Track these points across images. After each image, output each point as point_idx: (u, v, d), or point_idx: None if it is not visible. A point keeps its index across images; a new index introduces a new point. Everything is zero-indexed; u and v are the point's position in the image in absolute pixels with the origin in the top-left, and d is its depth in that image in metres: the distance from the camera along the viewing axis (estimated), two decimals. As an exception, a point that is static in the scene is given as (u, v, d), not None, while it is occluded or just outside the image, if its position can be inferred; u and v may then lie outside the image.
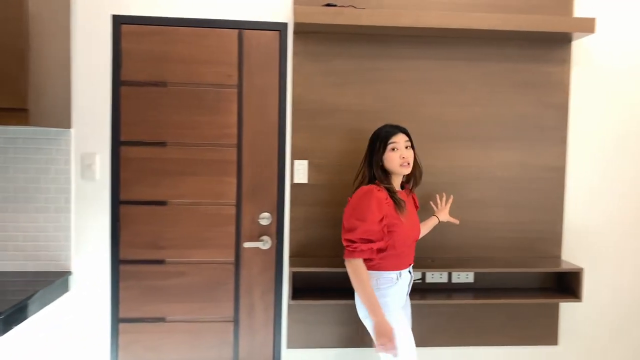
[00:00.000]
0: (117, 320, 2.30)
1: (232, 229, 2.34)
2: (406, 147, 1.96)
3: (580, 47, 2.43)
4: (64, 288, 2.17)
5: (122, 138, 2.25)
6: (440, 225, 2.36)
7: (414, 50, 2.36)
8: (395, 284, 1.94)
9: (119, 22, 2.20)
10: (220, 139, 2.30)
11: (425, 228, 2.25)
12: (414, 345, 1.93)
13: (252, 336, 2.38)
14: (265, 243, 2.34)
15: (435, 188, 2.39)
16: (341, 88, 2.33)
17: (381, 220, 1.85)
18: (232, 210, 2.34)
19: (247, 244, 2.34)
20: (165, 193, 2.29)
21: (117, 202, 2.27)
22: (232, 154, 2.32)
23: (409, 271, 2.02)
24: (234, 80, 2.29)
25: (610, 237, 2.50)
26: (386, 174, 1.97)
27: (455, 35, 2.33)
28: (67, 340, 2.21)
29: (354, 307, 2.37)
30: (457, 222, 2.30)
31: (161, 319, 2.33)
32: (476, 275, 2.44)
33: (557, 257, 2.46)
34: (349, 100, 2.34)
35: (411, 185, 2.12)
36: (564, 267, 2.31)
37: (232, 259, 2.35)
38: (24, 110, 1.81)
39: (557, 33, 2.25)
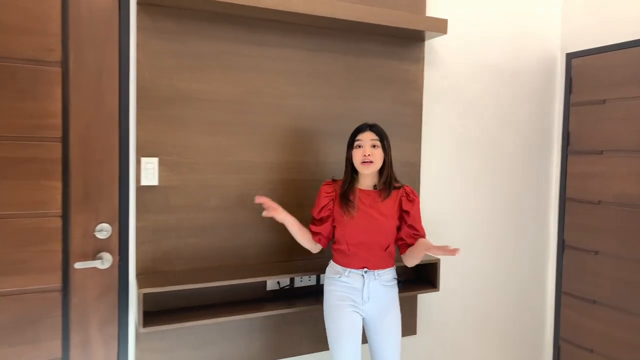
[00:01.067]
0: None
1: (58, 246, 1.83)
2: (373, 146, 1.89)
3: (431, 46, 2.53)
4: None
5: None
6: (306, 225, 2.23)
7: (280, 38, 2.16)
8: (339, 280, 1.94)
9: None
10: (39, 131, 1.77)
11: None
12: (353, 344, 1.89)
13: (90, 378, 1.91)
14: (104, 261, 1.89)
15: (302, 185, 2.24)
16: (198, 73, 2.01)
17: (321, 210, 1.97)
18: (58, 223, 1.82)
19: (79, 264, 1.85)
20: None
21: None
22: (56, 151, 1.80)
23: (363, 274, 1.92)
24: (57, 55, 1.78)
25: (456, 227, 2.68)
26: (356, 172, 1.97)
27: (318, 25, 2.20)
28: None
29: (222, 325, 2.10)
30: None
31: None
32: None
33: (414, 250, 2.53)
34: (208, 88, 2.03)
35: (384, 187, 1.96)
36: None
37: (58, 284, 1.84)
38: None
39: (412, 31, 2.29)
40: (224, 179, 2.08)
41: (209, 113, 2.03)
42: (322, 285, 2.32)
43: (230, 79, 2.06)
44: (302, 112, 2.22)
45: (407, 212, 1.94)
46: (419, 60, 2.48)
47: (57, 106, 1.79)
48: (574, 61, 2.85)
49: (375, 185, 1.97)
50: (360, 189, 1.96)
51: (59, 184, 1.81)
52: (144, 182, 1.93)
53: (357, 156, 1.91)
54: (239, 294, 2.14)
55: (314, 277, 2.30)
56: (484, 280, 2.78)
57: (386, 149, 1.92)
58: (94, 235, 1.89)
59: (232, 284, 2.01)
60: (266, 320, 2.20)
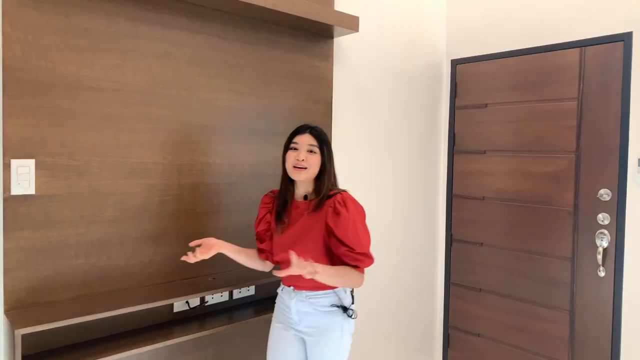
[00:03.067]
0: None
1: None
2: (309, 151, 1.68)
3: (339, 44, 2.46)
4: None
5: None
6: (218, 233, 2.01)
7: (188, 22, 1.87)
8: (279, 295, 1.83)
9: None
10: None
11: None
12: None
13: None
14: (-41, 296, 1.43)
15: (214, 189, 1.99)
16: (87, 55, 1.63)
17: (259, 222, 1.81)
18: None
19: None
20: None
21: None
22: None
23: (289, 294, 1.74)
24: None
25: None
26: (293, 180, 1.75)
27: (230, 10, 1.96)
28: None
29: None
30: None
31: None
32: (257, 286, 2.17)
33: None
34: (100, 75, 1.66)
35: (315, 198, 1.69)
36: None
37: None
38: None
39: (322, 25, 2.19)
40: (121, 185, 1.74)
41: (101, 105, 1.67)
42: (234, 301, 2.10)
43: (128, 65, 1.72)
44: (211, 106, 1.97)
45: (333, 228, 1.62)
46: (329, 57, 2.39)
47: None
48: (458, 67, 3.05)
49: (305, 196, 1.73)
50: (295, 201, 1.75)
51: None
52: (15, 191, 1.50)
53: (290, 159, 1.69)
54: (143, 319, 1.82)
55: (226, 294, 2.06)
56: (379, 274, 2.82)
57: (325, 155, 1.70)
58: (-58, 264, 1.41)
59: (130, 312, 1.68)
60: (174, 347, 1.90)
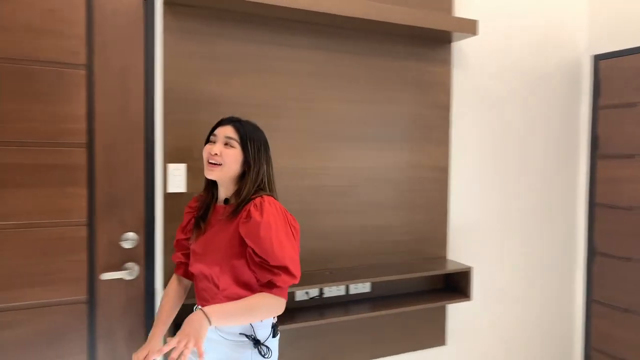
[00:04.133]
0: None
1: (84, 256, 1.76)
2: (226, 144, 1.43)
3: (458, 48, 2.46)
4: None
5: None
6: (337, 232, 2.17)
7: (309, 40, 2.09)
8: None
9: None
10: (63, 136, 1.70)
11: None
12: None
13: (116, 394, 1.83)
14: (131, 272, 1.82)
15: (333, 191, 2.17)
16: (226, 76, 1.94)
17: (183, 228, 1.60)
18: (83, 232, 1.75)
19: (105, 275, 1.78)
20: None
21: None
22: (81, 157, 1.73)
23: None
24: (82, 58, 1.71)
25: (489, 234, 2.60)
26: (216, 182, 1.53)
27: (347, 26, 2.13)
28: None
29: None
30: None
31: None
32: (373, 284, 2.29)
33: (442, 258, 2.45)
34: (236, 92, 1.96)
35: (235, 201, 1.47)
36: (454, 268, 2.29)
37: (84, 296, 1.77)
38: None
39: (439, 32, 2.23)
40: (252, 186, 2.01)
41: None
42: (350, 296, 2.25)
43: (258, 82, 2.00)
44: (330, 116, 2.16)
45: (245, 235, 1.38)
46: (445, 62, 2.42)
47: (82, 110, 1.72)
48: (601, 63, 2.79)
49: (226, 199, 1.50)
50: (216, 205, 1.53)
51: (84, 191, 1.74)
52: (170, 189, 1.86)
53: (204, 154, 1.46)
54: (267, 304, 2.06)
55: (342, 288, 2.22)
56: (512, 289, 2.70)
57: (250, 152, 1.43)
58: (120, 245, 1.81)
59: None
60: (298, 331, 2.12)
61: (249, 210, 1.38)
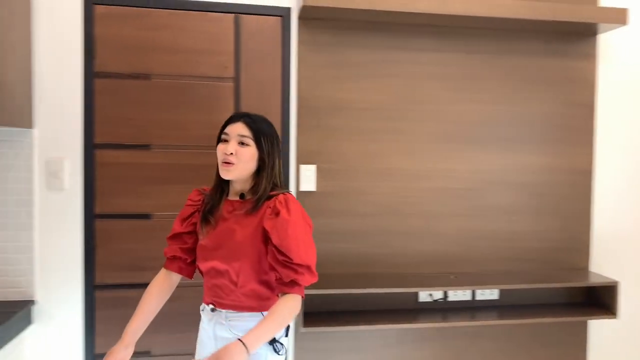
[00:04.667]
0: (92, 356, 1.93)
1: (228, 245, 2.02)
2: (240, 143, 1.38)
3: (605, 41, 2.25)
4: (27, 320, 1.79)
5: (97, 140, 1.89)
6: (462, 235, 2.15)
7: (432, 42, 2.11)
8: (202, 318, 1.52)
9: (91, 1, 1.85)
10: (214, 141, 1.98)
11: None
12: None
13: (253, 369, 2.05)
14: (267, 261, 2.03)
15: (455, 194, 2.15)
16: (354, 83, 2.06)
17: (183, 222, 1.49)
18: (228, 224, 2.01)
19: (245, 263, 2.01)
20: (149, 204, 1.94)
21: (91, 216, 1.90)
22: (229, 159, 2.00)
23: (212, 309, 1.44)
24: (230, 72, 1.97)
25: (637, 245, 2.32)
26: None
27: (475, 26, 2.10)
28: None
29: (373, 332, 2.11)
30: None
31: (146, 353, 1.97)
32: (501, 291, 2.21)
33: (584, 269, 2.25)
34: (363, 97, 2.07)
35: (252, 197, 1.41)
36: (598, 281, 2.09)
37: (227, 280, 2.02)
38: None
39: (582, 25, 2.06)
40: (375, 186, 2.10)
41: (364, 122, 2.07)
42: (477, 302, 2.19)
43: (384, 87, 2.08)
44: (456, 118, 2.14)
45: (270, 231, 1.34)
46: (589, 56, 2.22)
47: (230, 118, 1.98)
48: None
49: (242, 194, 1.45)
50: (228, 200, 1.47)
51: (230, 189, 2.00)
52: (302, 188, 2.04)
53: (218, 154, 1.41)
54: (389, 303, 2.13)
55: (468, 293, 2.18)
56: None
57: (264, 148, 1.40)
58: (258, 237, 2.04)
59: (383, 292, 2.01)
60: (420, 332, 2.15)
61: (275, 206, 1.36)
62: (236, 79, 1.98)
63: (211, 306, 1.44)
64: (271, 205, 1.36)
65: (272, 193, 1.40)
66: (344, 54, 2.04)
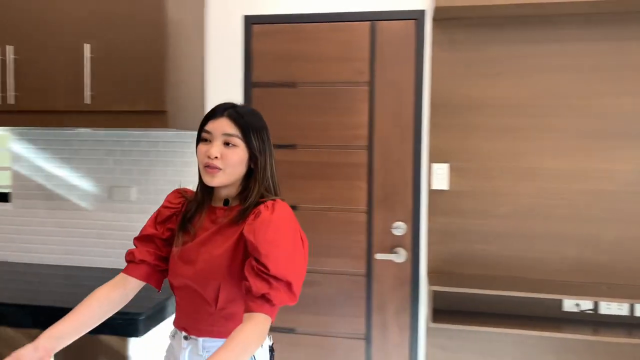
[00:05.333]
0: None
1: (364, 238, 2.15)
2: (226, 143, 1.16)
3: None
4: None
5: (253, 141, 2.21)
6: (618, 242, 1.93)
7: (580, 32, 1.94)
8: (169, 344, 1.31)
9: (250, 22, 2.16)
10: (351, 140, 2.13)
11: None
12: None
13: (386, 358, 2.16)
14: (399, 256, 2.11)
15: (613, 197, 1.93)
16: (489, 80, 2.01)
17: (156, 223, 1.28)
18: (363, 218, 2.15)
19: (379, 256, 2.13)
20: (295, 197, 2.19)
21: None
22: (363, 157, 2.13)
23: (185, 337, 1.21)
24: (366, 76, 2.11)
25: None
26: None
27: (629, 9, 1.86)
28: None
29: (508, 337, 2.04)
30: None
31: (291, 330, 2.23)
32: (670, 309, 1.92)
33: None
34: (500, 94, 2.00)
35: (240, 205, 1.20)
36: None
37: (363, 270, 2.16)
38: (162, 113, 1.84)
39: None
40: (515, 187, 2.01)
41: (500, 119, 2.00)
42: (636, 318, 1.94)
43: (524, 83, 1.98)
44: (614, 112, 1.93)
45: (247, 235, 1.11)
46: None
47: (365, 119, 2.11)
48: None
49: (226, 200, 1.23)
50: (211, 206, 1.24)
51: (365, 185, 2.13)
52: (434, 186, 2.06)
53: (200, 156, 1.17)
54: (528, 309, 2.02)
55: (625, 307, 1.95)
56: None
57: (255, 146, 1.16)
58: (391, 232, 2.13)
59: (522, 297, 1.92)
60: (563, 343, 1.99)
61: (259, 210, 1.13)
62: (371, 82, 2.10)
63: (184, 333, 1.22)
64: (256, 211, 1.14)
65: (261, 200, 1.17)
66: (479, 50, 2.01)
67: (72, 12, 1.86)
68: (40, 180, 2.33)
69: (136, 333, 1.68)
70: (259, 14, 2.15)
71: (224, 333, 1.16)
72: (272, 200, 1.16)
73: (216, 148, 1.14)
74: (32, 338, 1.71)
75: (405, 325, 2.14)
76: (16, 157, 2.35)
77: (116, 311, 1.23)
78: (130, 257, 1.25)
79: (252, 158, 1.18)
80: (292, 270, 1.08)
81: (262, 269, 1.05)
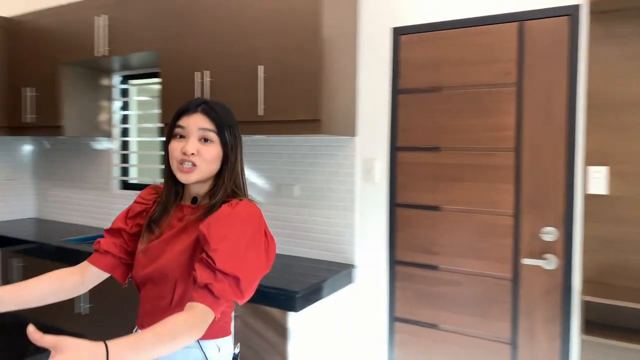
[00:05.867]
0: (393, 318, 2.42)
1: (509, 241, 2.12)
2: (202, 139, 1.16)
3: None
4: (349, 279, 2.43)
5: (399, 144, 2.36)
6: None
7: None
8: None
9: (398, 33, 2.31)
10: (496, 142, 2.13)
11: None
12: None
13: (530, 365, 2.10)
14: (549, 262, 2.03)
15: None
16: (659, 73, 1.81)
17: (127, 218, 1.27)
18: (509, 221, 2.12)
19: (526, 261, 2.08)
20: (438, 198, 2.27)
21: (394, 205, 2.38)
22: (509, 159, 2.10)
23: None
24: (512, 77, 2.07)
25: None
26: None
27: None
28: (350, 326, 2.46)
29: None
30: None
31: (434, 326, 2.32)
32: None
33: None
34: (672, 88, 1.79)
35: (208, 202, 1.20)
36: None
37: (508, 274, 2.13)
38: (317, 121, 2.12)
39: None
40: (693, 192, 1.77)
41: (673, 116, 1.79)
42: None
43: None
44: None
45: (202, 228, 1.09)
46: None
47: (511, 120, 2.08)
48: None
49: (195, 198, 1.22)
50: (180, 204, 1.23)
51: (511, 188, 2.10)
52: (591, 191, 1.94)
53: (174, 153, 1.15)
54: None
55: None
56: None
57: (228, 142, 1.17)
58: (540, 237, 2.06)
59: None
60: None
61: (222, 207, 1.15)
62: (518, 83, 2.06)
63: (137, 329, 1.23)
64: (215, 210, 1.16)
65: (227, 199, 1.18)
66: (647, 42, 1.82)
67: (251, 42, 2.27)
68: (227, 177, 2.86)
69: (294, 308, 1.99)
70: (406, 25, 2.29)
71: None
72: (239, 199, 1.17)
73: (192, 144, 1.14)
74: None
75: (555, 334, 2.04)
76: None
77: (68, 297, 1.20)
78: (96, 247, 1.26)
79: (225, 154, 1.18)
80: (241, 267, 1.06)
81: (210, 261, 1.05)
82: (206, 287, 1.03)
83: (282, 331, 2.02)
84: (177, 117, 1.18)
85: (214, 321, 1.06)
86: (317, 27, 2.08)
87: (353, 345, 2.48)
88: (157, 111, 3.00)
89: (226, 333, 1.21)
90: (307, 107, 2.13)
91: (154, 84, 3.28)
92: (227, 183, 1.18)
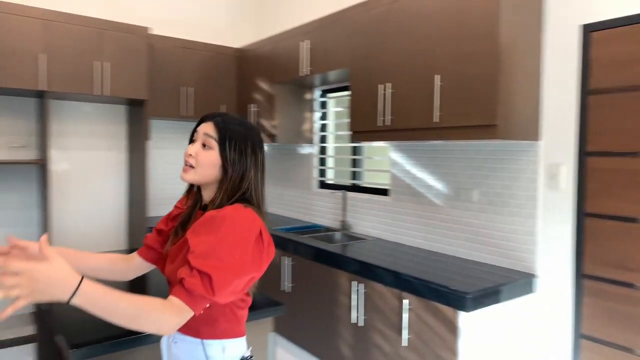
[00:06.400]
0: (579, 334, 2.25)
1: None
2: (204, 145, 1.25)
3: None
4: (528, 289, 2.35)
5: (589, 148, 2.18)
6: None
7: None
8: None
9: (588, 30, 2.15)
10: None
11: None
12: None
13: None
14: None
15: None
16: None
17: (168, 220, 1.42)
18: None
19: None
20: (635, 209, 2.04)
21: (582, 214, 2.21)
22: None
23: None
24: None
25: None
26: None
27: None
28: (527, 334, 2.38)
29: None
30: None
31: (629, 350, 2.09)
32: None
33: None
34: None
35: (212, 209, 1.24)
36: None
37: None
38: (493, 127, 2.14)
39: None
40: None
41: None
42: None
43: None
44: None
45: (187, 236, 1.19)
46: None
47: None
48: None
49: (205, 205, 1.32)
50: (200, 210, 1.33)
51: None
52: None
53: (184, 155, 1.30)
54: None
55: None
56: None
57: (228, 155, 1.23)
58: None
59: None
60: None
61: (202, 218, 1.20)
62: None
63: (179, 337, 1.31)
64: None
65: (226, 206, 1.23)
66: None
67: (428, 54, 2.40)
68: (408, 180, 3.03)
69: (464, 308, 2.05)
70: (598, 21, 2.11)
71: (185, 327, 1.22)
72: (234, 205, 1.21)
73: (193, 147, 1.25)
74: (395, 295, 2.35)
75: None
76: (393, 163, 3.14)
77: (114, 279, 1.39)
78: (144, 241, 1.42)
79: (224, 166, 1.24)
80: (215, 266, 1.09)
81: (187, 260, 1.12)
82: (181, 282, 1.10)
83: (452, 328, 2.10)
84: (197, 124, 1.30)
85: (217, 322, 1.21)
86: (495, 33, 2.10)
87: (530, 354, 2.39)
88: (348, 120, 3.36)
89: (234, 335, 1.27)
90: (482, 112, 2.16)
91: (346, 96, 3.66)
92: (223, 195, 1.23)
